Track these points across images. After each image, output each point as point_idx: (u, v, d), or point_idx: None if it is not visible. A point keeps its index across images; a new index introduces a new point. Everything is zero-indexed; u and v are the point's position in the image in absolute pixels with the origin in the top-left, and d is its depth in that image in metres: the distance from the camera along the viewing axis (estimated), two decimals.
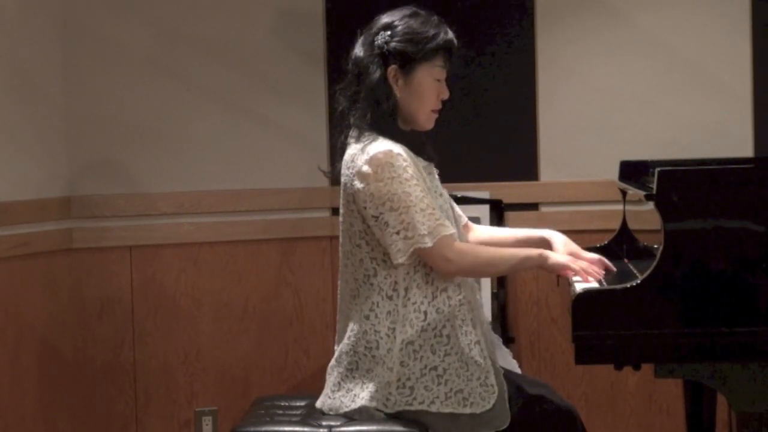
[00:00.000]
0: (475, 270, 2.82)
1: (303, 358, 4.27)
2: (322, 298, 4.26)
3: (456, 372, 2.71)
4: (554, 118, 4.26)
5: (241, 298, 4.24)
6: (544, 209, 4.28)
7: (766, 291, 2.61)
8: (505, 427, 2.72)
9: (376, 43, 2.77)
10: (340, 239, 2.83)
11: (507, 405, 2.73)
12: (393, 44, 2.76)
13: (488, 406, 2.70)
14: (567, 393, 3.99)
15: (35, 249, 3.87)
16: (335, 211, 4.19)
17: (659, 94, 4.22)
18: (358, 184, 2.71)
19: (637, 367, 2.70)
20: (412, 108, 2.80)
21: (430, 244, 2.67)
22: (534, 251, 2.84)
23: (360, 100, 2.78)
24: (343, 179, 2.79)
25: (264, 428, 2.79)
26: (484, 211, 4.13)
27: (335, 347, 2.86)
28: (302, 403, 2.97)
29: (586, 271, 2.80)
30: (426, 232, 2.66)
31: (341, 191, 2.80)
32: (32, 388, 3.87)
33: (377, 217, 2.69)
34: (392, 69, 2.77)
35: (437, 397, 2.70)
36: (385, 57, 2.76)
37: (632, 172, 3.54)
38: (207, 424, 4.20)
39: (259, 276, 4.25)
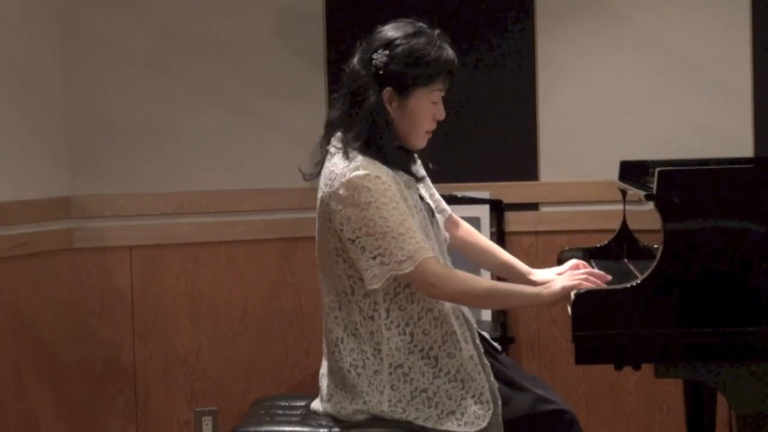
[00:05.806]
0: (463, 299, 2.70)
1: (303, 358, 4.27)
2: None
3: (447, 394, 2.68)
4: (554, 118, 4.26)
5: (241, 298, 4.24)
6: (544, 209, 4.28)
7: (766, 291, 2.61)
8: None
9: (373, 61, 2.67)
10: (317, 251, 2.75)
11: (500, 419, 2.70)
12: (391, 66, 2.66)
13: (483, 425, 2.67)
14: (567, 393, 3.99)
15: (35, 249, 3.87)
16: None
17: (659, 94, 4.22)
18: (334, 205, 2.62)
19: (637, 367, 2.70)
20: (404, 129, 2.72)
21: (411, 269, 2.59)
22: (531, 291, 2.71)
23: (354, 118, 2.68)
24: (320, 193, 2.70)
25: (264, 428, 2.80)
26: (484, 211, 4.13)
27: (324, 348, 2.81)
28: (302, 403, 2.97)
29: (588, 280, 2.68)
30: (405, 258, 2.58)
31: (318, 203, 2.71)
32: (32, 387, 3.87)
33: (353, 241, 2.61)
34: (387, 91, 2.67)
35: (429, 417, 2.67)
36: (381, 77, 2.67)
37: (632, 172, 3.54)
38: (207, 424, 4.20)
39: (259, 276, 4.25)
